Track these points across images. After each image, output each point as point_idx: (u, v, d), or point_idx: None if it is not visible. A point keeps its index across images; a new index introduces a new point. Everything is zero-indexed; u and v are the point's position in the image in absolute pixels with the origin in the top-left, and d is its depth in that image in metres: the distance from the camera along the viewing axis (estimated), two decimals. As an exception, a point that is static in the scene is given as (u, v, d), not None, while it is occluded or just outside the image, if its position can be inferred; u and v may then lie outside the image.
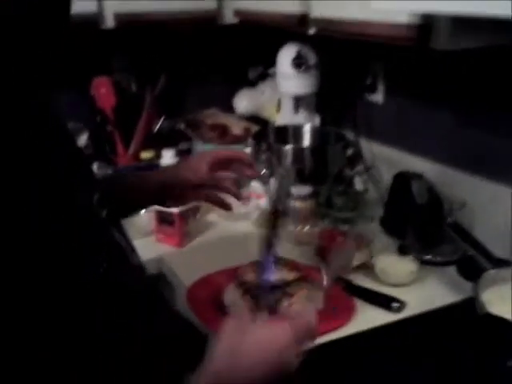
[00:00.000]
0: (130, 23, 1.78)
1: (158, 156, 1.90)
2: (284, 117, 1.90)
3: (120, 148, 1.99)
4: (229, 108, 2.18)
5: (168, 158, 1.86)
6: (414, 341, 1.14)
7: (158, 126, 2.06)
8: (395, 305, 1.21)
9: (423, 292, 1.28)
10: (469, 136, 1.45)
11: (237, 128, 2.03)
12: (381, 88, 1.76)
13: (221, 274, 1.30)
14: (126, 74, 2.06)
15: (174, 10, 1.78)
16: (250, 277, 1.15)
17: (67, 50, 0.79)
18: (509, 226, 1.32)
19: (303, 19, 1.46)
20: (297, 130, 1.81)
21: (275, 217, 0.92)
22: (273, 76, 1.95)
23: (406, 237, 1.44)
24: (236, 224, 1.64)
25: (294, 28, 1.51)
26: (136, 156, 1.99)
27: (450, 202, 1.42)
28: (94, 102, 1.99)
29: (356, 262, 1.32)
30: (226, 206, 1.17)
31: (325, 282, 1.19)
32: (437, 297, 1.26)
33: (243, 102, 2.14)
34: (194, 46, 2.21)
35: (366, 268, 1.33)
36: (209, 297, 1.23)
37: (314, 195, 1.56)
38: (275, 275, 0.95)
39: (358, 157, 1.73)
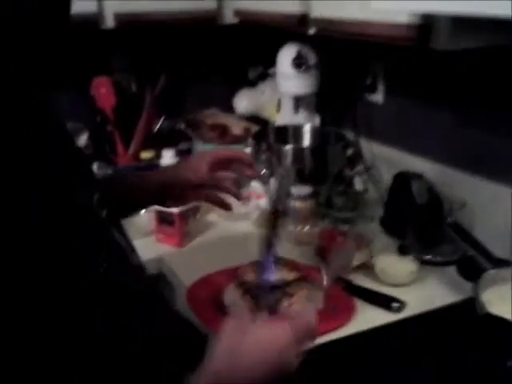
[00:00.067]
0: (129, 23, 1.78)
1: (158, 156, 1.90)
2: (284, 117, 1.90)
3: (120, 148, 1.99)
4: (229, 108, 2.18)
5: (168, 157, 1.85)
6: (413, 341, 1.14)
7: (158, 126, 2.06)
8: (395, 305, 1.21)
9: (423, 292, 1.28)
10: (469, 136, 1.45)
11: (237, 128, 2.02)
12: (381, 88, 1.75)
13: (221, 274, 1.30)
14: (126, 74, 2.05)
15: (173, 9, 1.78)
16: (249, 277, 1.15)
17: (67, 50, 0.79)
18: (509, 226, 1.32)
19: (303, 19, 1.46)
20: (297, 130, 1.82)
21: (275, 217, 0.92)
22: (273, 76, 1.95)
23: (406, 237, 1.44)
24: (236, 224, 1.64)
25: (293, 28, 1.51)
26: (136, 156, 1.99)
27: (450, 202, 1.42)
28: (93, 101, 1.99)
29: (356, 261, 1.32)
30: (226, 206, 1.17)
31: (325, 282, 1.19)
32: (437, 297, 1.26)
33: (243, 101, 2.13)
34: (194, 45, 2.21)
35: (366, 268, 1.33)
36: (209, 297, 1.23)
37: (313, 195, 1.56)
38: (275, 275, 0.95)
39: (357, 157, 1.73)
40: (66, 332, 0.66)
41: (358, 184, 1.68)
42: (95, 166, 1.86)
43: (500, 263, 1.22)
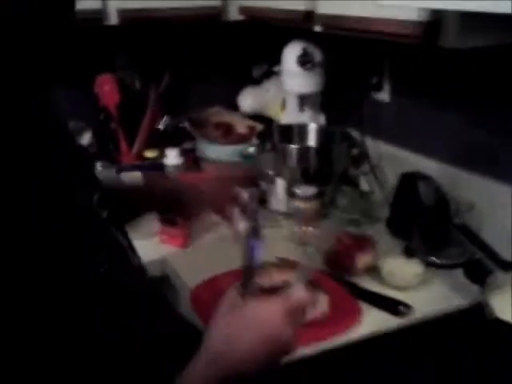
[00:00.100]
0: (133, 20, 1.77)
1: (162, 155, 1.89)
2: (289, 115, 1.89)
3: (124, 146, 1.98)
4: (233, 106, 2.17)
5: (172, 157, 1.84)
6: (420, 345, 1.12)
7: (162, 125, 2.04)
8: (402, 308, 1.19)
9: (430, 295, 1.26)
10: (477, 136, 1.43)
11: (241, 127, 2.01)
12: (387, 87, 1.74)
13: (225, 275, 1.28)
14: (130, 72, 2.04)
15: (178, 6, 1.78)
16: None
17: (71, 48, 0.77)
18: (517, 229, 1.30)
19: (309, 16, 1.44)
20: (302, 129, 1.80)
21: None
22: (278, 74, 1.94)
23: (412, 238, 1.42)
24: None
25: (299, 25, 1.50)
26: (140, 155, 1.97)
27: (458, 204, 1.40)
28: (97, 99, 1.97)
29: (362, 264, 1.30)
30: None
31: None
32: (443, 300, 1.24)
33: (247, 100, 2.12)
34: (199, 43, 2.20)
35: (372, 270, 1.31)
36: (213, 299, 1.21)
37: (318, 195, 1.54)
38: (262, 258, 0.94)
39: (363, 156, 1.71)
40: (66, 332, 0.66)
41: (364, 184, 1.66)
42: (99, 165, 1.85)
43: (508, 266, 1.21)
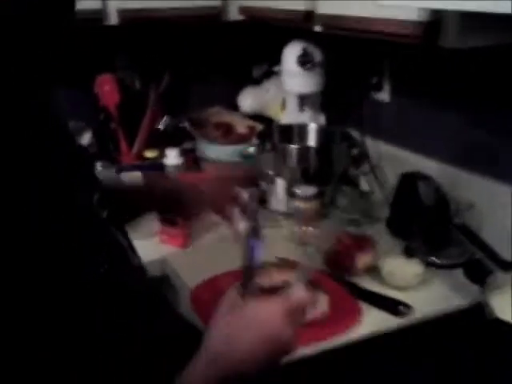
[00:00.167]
0: (133, 20, 1.77)
1: (162, 155, 1.89)
2: (289, 115, 1.89)
3: (124, 146, 1.98)
4: (233, 106, 2.17)
5: (172, 157, 1.84)
6: (420, 345, 1.12)
7: (162, 125, 2.04)
8: (402, 308, 1.19)
9: (429, 295, 1.26)
10: (477, 136, 1.43)
11: (241, 127, 2.01)
12: (387, 87, 1.74)
13: (226, 275, 1.28)
14: (130, 72, 2.04)
15: (177, 6, 1.77)
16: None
17: (71, 48, 0.78)
18: (517, 229, 1.30)
19: (309, 16, 1.44)
20: (302, 129, 1.80)
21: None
22: (278, 74, 1.93)
23: (413, 238, 1.42)
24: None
25: (299, 25, 1.49)
26: (140, 155, 1.97)
27: (458, 204, 1.40)
28: (97, 99, 1.97)
29: (362, 263, 1.30)
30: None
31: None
32: (443, 300, 1.24)
33: (247, 100, 2.12)
34: (198, 43, 2.20)
35: (372, 270, 1.31)
36: (213, 299, 1.21)
37: (318, 195, 1.54)
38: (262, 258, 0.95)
39: (363, 156, 1.71)
40: (66, 332, 0.66)
41: (364, 184, 1.66)
42: (99, 165, 1.85)
43: (508, 266, 1.20)
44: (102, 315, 0.71)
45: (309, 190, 1.53)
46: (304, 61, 1.75)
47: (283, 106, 1.92)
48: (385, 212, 1.58)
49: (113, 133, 1.98)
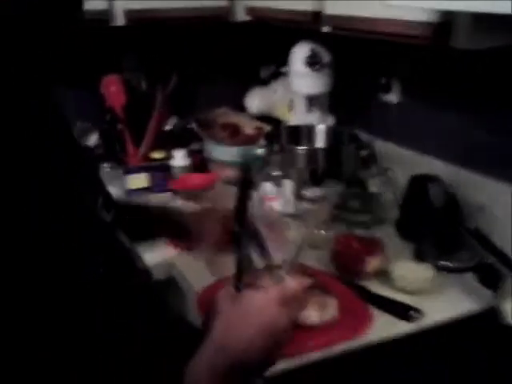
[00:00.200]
0: (140, 20, 1.77)
1: (169, 156, 1.88)
2: (297, 116, 1.87)
3: (130, 147, 1.97)
4: (240, 107, 2.15)
5: (179, 158, 1.83)
6: (431, 351, 1.10)
7: (169, 126, 2.03)
8: (412, 313, 1.17)
9: (441, 300, 1.24)
10: (489, 137, 1.41)
11: (249, 128, 2.00)
12: (396, 88, 1.72)
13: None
14: (136, 73, 2.03)
15: (184, 7, 1.77)
16: None
17: (77, 48, 0.77)
18: (529, 232, 1.28)
19: (317, 17, 1.43)
20: (310, 131, 1.79)
21: (245, 187, 0.90)
22: (285, 75, 1.92)
23: (423, 241, 1.40)
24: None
25: (307, 25, 1.48)
26: (147, 156, 1.96)
27: (468, 206, 1.38)
28: (103, 100, 1.96)
29: (372, 267, 1.29)
30: None
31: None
32: (455, 305, 1.22)
33: (255, 101, 2.11)
34: (206, 43, 2.19)
35: (382, 274, 1.29)
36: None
37: (327, 197, 1.52)
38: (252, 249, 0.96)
39: (372, 158, 1.69)
40: (66, 332, 0.66)
41: (373, 186, 1.64)
42: (105, 166, 1.84)
43: (521, 270, 1.19)
44: (102, 315, 0.71)
45: (317, 192, 1.52)
46: (312, 62, 1.74)
47: (290, 106, 1.91)
48: (394, 214, 1.56)
49: (119, 134, 1.97)
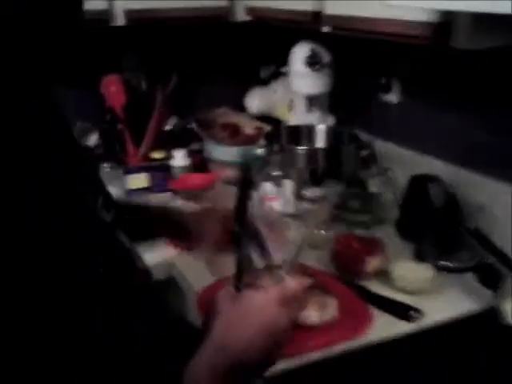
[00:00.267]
0: (140, 20, 1.76)
1: (169, 156, 1.88)
2: (297, 116, 1.87)
3: (130, 147, 1.97)
4: (240, 107, 2.15)
5: (179, 158, 1.83)
6: (431, 351, 1.10)
7: (169, 126, 2.03)
8: (412, 313, 1.17)
9: (441, 300, 1.24)
10: (488, 137, 1.41)
11: (248, 128, 2.00)
12: (395, 88, 1.72)
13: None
14: (136, 73, 2.03)
15: (184, 7, 1.76)
16: None
17: (77, 48, 0.78)
18: (530, 232, 1.28)
19: (317, 17, 1.43)
20: (310, 131, 1.79)
21: (245, 187, 0.90)
22: (285, 75, 1.92)
23: (423, 241, 1.40)
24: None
25: (307, 25, 1.48)
26: (147, 156, 1.96)
27: (468, 206, 1.38)
28: (103, 100, 1.96)
29: (372, 267, 1.29)
30: None
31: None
32: (455, 305, 1.22)
33: (255, 101, 2.11)
34: (206, 43, 2.19)
35: (382, 274, 1.29)
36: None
37: (327, 197, 1.52)
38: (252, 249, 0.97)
39: (372, 158, 1.69)
40: (66, 332, 0.66)
41: (373, 186, 1.64)
42: (105, 166, 1.83)
43: (521, 270, 1.19)
44: (102, 315, 0.71)
45: (317, 192, 1.52)
46: (312, 62, 1.74)
47: (290, 106, 1.91)
48: (394, 214, 1.56)
49: (119, 134, 1.97)
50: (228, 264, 0.91)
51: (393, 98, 1.73)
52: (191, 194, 1.73)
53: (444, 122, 1.55)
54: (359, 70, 1.82)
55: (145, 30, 1.92)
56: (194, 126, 2.03)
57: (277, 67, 2.05)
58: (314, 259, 1.38)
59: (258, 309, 0.74)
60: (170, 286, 1.39)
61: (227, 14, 1.86)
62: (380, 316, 1.18)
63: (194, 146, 1.97)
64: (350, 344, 1.10)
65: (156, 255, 1.39)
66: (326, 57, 1.75)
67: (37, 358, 0.63)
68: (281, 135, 1.78)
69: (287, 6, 1.55)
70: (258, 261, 0.98)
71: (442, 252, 1.35)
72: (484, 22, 1.02)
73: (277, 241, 1.03)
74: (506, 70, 1.33)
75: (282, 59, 1.87)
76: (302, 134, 1.79)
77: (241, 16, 1.86)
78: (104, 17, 1.70)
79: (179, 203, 1.73)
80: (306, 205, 1.52)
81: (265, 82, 2.15)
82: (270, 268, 1.07)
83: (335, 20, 1.38)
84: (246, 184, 0.91)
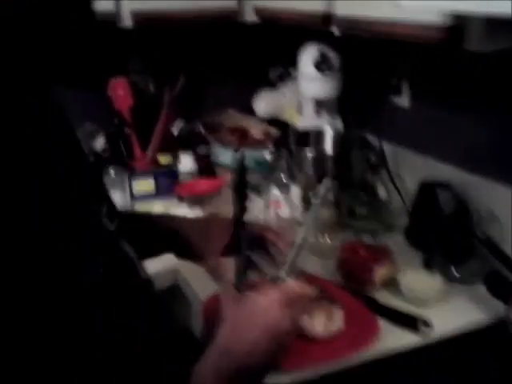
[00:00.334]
0: (147, 22, 1.75)
1: (176, 160, 1.86)
2: (305, 120, 1.84)
3: (137, 151, 1.95)
4: (248, 109, 2.13)
5: (186, 163, 1.81)
6: (441, 364, 1.08)
7: (176, 129, 2.02)
8: (421, 325, 1.14)
9: (451, 311, 1.21)
10: (501, 144, 1.38)
11: (256, 131, 1.98)
12: (406, 91, 1.69)
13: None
14: (144, 75, 2.02)
15: (192, 8, 1.75)
16: None
17: (84, 49, 0.79)
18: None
19: (327, 18, 1.40)
20: (318, 135, 1.76)
21: (241, 189, 0.91)
22: (294, 77, 1.90)
23: (432, 250, 1.37)
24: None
25: (317, 27, 1.46)
26: (154, 160, 1.94)
27: (479, 214, 1.35)
28: (110, 102, 1.95)
29: (379, 277, 1.26)
30: None
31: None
32: (465, 316, 1.20)
33: (263, 103, 2.08)
34: (214, 44, 2.17)
35: (390, 284, 1.27)
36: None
37: (335, 203, 1.50)
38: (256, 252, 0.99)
39: (381, 163, 1.66)
40: (66, 332, 0.66)
41: (382, 192, 1.61)
42: (112, 171, 1.82)
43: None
44: (102, 315, 0.72)
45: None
46: (322, 65, 1.71)
47: (299, 110, 1.88)
48: (403, 221, 1.53)
49: (126, 137, 1.95)
50: (232, 269, 0.91)
51: (403, 101, 1.70)
52: (197, 200, 1.72)
53: (456, 126, 1.52)
54: (369, 73, 1.79)
55: (152, 32, 1.91)
56: (201, 129, 2.01)
57: (286, 68, 2.02)
58: (320, 268, 1.35)
59: (263, 309, 0.75)
60: (174, 294, 1.38)
61: (235, 14, 1.84)
62: (387, 327, 1.15)
63: (201, 150, 1.95)
64: (355, 357, 1.07)
65: (160, 262, 1.37)
66: (335, 59, 1.73)
67: (37, 357, 0.63)
68: (289, 139, 1.76)
69: (296, 8, 1.53)
70: (261, 264, 0.98)
71: (451, 261, 1.33)
72: (496, 23, 1.00)
73: (281, 244, 1.02)
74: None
75: (291, 60, 1.85)
76: (311, 138, 1.76)
77: (249, 17, 1.84)
78: (111, 18, 1.69)
79: (185, 209, 1.72)
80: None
81: (273, 84, 2.13)
82: (273, 271, 1.06)
83: (346, 21, 1.35)
84: (241, 186, 0.92)
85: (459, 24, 1.04)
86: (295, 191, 1.58)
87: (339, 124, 1.81)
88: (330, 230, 1.45)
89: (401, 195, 1.60)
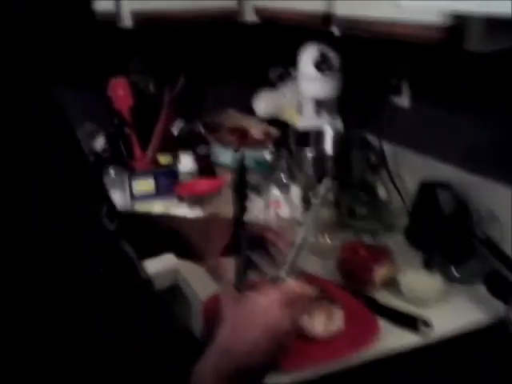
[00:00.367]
0: (147, 22, 1.75)
1: (176, 160, 1.86)
2: (305, 120, 1.84)
3: (137, 151, 1.95)
4: (248, 109, 2.13)
5: (186, 163, 1.81)
6: (441, 364, 1.08)
7: (176, 129, 2.01)
8: (421, 325, 1.14)
9: (451, 311, 1.21)
10: (501, 143, 1.38)
11: (256, 131, 1.98)
12: (406, 91, 1.69)
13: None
14: (144, 75, 2.02)
15: (192, 8, 1.75)
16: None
17: (84, 49, 0.79)
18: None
19: (327, 18, 1.40)
20: (318, 135, 1.76)
21: (241, 188, 0.92)
22: (294, 77, 1.89)
23: (432, 250, 1.37)
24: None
25: (317, 27, 1.45)
26: (154, 160, 1.94)
27: (479, 214, 1.35)
28: (110, 102, 1.95)
29: (379, 277, 1.26)
30: None
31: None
32: (465, 316, 1.20)
33: (263, 103, 2.08)
34: (214, 44, 2.17)
35: (390, 284, 1.27)
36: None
37: (335, 203, 1.50)
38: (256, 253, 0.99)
39: (381, 163, 1.66)
40: (66, 332, 0.66)
41: (382, 192, 1.61)
42: (112, 171, 1.82)
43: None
44: (102, 315, 0.72)
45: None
46: (322, 65, 1.71)
47: (299, 110, 1.88)
48: (403, 221, 1.53)
49: (126, 137, 1.95)
50: (232, 270, 0.91)
51: (403, 101, 1.70)
52: (197, 200, 1.72)
53: (456, 125, 1.52)
54: (369, 73, 1.79)
55: (152, 32, 1.91)
56: (201, 129, 2.01)
57: (286, 68, 2.02)
58: (320, 268, 1.35)
59: (263, 309, 0.75)
60: (174, 294, 1.38)
61: (235, 14, 1.83)
62: (387, 327, 1.15)
63: (201, 150, 1.95)
64: (355, 357, 1.07)
65: (160, 262, 1.37)
66: (335, 59, 1.72)
67: (37, 357, 0.63)
68: (289, 139, 1.76)
69: (296, 8, 1.53)
70: (261, 264, 0.98)
71: (451, 261, 1.33)
72: (496, 23, 1.00)
73: (281, 244, 1.02)
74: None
75: (291, 60, 1.84)
76: (311, 138, 1.76)
77: (249, 17, 1.83)
78: (111, 18, 1.69)
79: (185, 209, 1.72)
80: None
81: (273, 84, 2.13)
82: (273, 271, 1.06)
83: (346, 21, 1.35)
84: (241, 186, 0.92)
85: (459, 24, 1.04)
86: (295, 191, 1.58)
87: (339, 124, 1.81)
88: (330, 230, 1.45)
89: (401, 195, 1.60)
